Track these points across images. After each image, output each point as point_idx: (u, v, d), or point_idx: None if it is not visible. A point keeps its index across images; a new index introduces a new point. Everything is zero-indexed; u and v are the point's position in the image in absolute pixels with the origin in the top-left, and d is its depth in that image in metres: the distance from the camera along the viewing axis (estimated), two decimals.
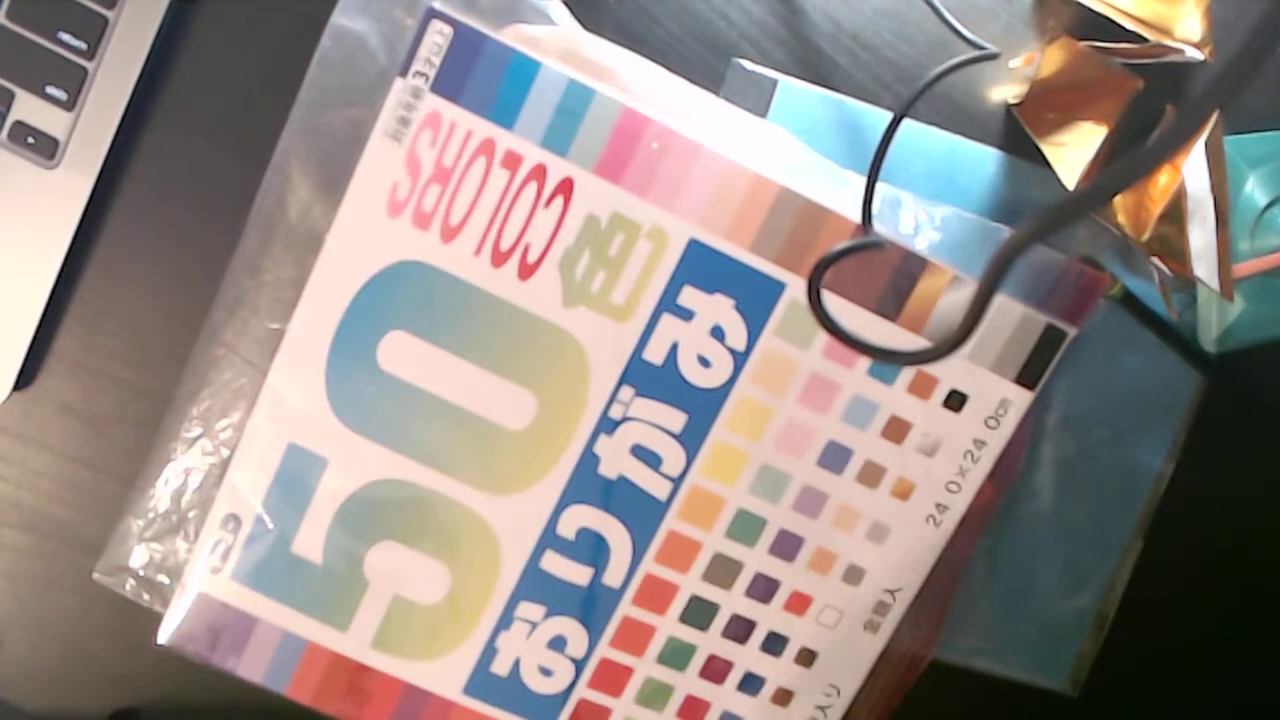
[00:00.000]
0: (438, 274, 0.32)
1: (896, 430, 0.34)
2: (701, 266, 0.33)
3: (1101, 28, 0.33)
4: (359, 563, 0.34)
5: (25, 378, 0.34)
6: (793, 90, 0.34)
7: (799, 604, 0.36)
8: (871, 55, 0.35)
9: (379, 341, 0.33)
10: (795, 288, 0.33)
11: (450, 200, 0.32)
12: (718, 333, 0.33)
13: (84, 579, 0.35)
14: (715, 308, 0.33)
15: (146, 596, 0.34)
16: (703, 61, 0.34)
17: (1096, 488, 0.38)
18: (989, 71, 0.35)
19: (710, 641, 0.36)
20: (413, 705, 0.35)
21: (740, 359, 0.34)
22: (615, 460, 0.34)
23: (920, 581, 0.36)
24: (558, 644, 0.35)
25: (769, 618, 0.36)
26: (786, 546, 0.35)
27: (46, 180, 0.32)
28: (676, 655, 0.36)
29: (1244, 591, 0.40)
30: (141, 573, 0.34)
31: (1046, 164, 0.34)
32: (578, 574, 0.35)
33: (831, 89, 0.35)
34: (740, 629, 0.36)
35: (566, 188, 0.32)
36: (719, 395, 0.34)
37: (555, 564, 0.35)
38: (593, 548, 0.35)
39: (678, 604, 0.35)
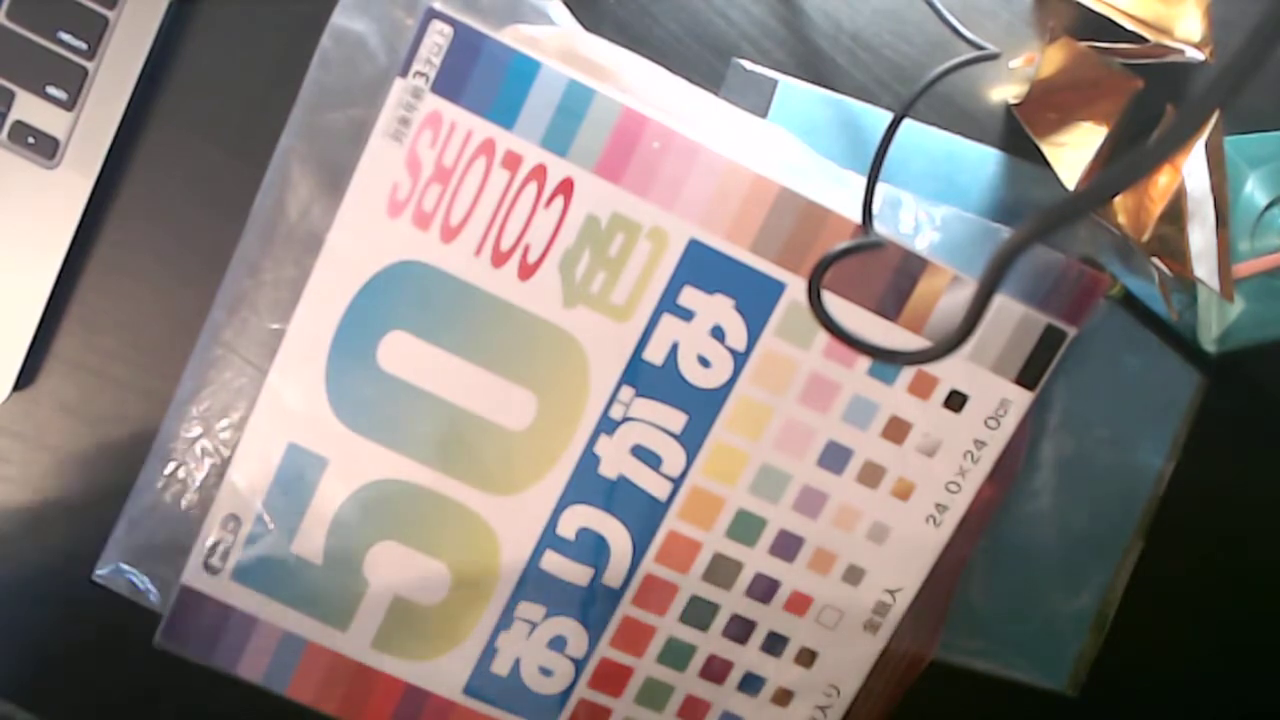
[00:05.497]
0: (438, 274, 0.32)
1: (896, 430, 0.34)
2: (701, 266, 0.33)
3: (1101, 28, 0.33)
4: (359, 563, 0.34)
5: (25, 378, 0.34)
6: (793, 90, 0.34)
7: (799, 604, 0.36)
8: (871, 55, 0.35)
9: (379, 341, 0.33)
10: (795, 288, 0.33)
11: (450, 200, 0.32)
12: (718, 333, 0.33)
13: (84, 579, 0.35)
14: (715, 308, 0.33)
15: (147, 597, 0.34)
16: (703, 61, 0.34)
17: (1096, 488, 0.38)
18: (989, 71, 0.35)
19: (710, 641, 0.36)
20: (413, 705, 0.35)
21: (740, 359, 0.33)
22: (615, 460, 0.34)
23: (920, 581, 0.36)
24: (558, 644, 0.35)
25: (769, 618, 0.36)
26: (786, 546, 0.35)
27: (46, 180, 0.32)
28: (676, 655, 0.36)
29: (1244, 591, 0.40)
30: (142, 573, 0.34)
31: (1046, 164, 0.34)
32: (578, 574, 0.35)
33: (831, 89, 0.35)
34: (740, 629, 0.36)
35: (566, 188, 0.32)
36: (719, 395, 0.34)
37: (555, 564, 0.35)
38: (593, 548, 0.35)
39: (678, 604, 0.35)
